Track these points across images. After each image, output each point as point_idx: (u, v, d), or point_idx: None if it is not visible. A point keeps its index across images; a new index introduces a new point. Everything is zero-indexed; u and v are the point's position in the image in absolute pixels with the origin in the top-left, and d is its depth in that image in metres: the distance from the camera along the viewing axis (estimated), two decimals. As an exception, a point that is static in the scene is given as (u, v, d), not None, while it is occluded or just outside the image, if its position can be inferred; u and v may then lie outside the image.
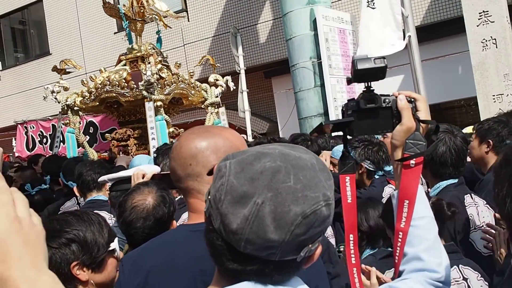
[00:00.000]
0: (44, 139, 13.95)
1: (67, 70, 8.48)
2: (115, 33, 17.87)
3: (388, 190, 4.48)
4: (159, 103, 7.62)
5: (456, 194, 3.63)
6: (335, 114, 8.98)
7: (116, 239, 2.42)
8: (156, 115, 7.55)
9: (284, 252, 1.26)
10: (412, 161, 1.85)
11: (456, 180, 3.72)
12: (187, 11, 16.55)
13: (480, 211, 3.61)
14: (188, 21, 16.50)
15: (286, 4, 9.57)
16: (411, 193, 1.86)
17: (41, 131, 14.03)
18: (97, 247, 2.27)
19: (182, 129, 8.70)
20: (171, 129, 8.13)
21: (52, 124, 13.59)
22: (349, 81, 1.96)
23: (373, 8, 9.04)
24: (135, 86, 7.62)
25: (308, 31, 9.33)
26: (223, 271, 1.36)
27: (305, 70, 9.37)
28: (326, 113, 9.16)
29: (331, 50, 9.23)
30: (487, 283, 3.05)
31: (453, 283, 3.05)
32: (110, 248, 2.34)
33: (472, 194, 3.71)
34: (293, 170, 1.29)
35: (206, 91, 8.67)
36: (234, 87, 9.26)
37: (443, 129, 3.69)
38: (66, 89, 8.32)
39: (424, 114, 1.90)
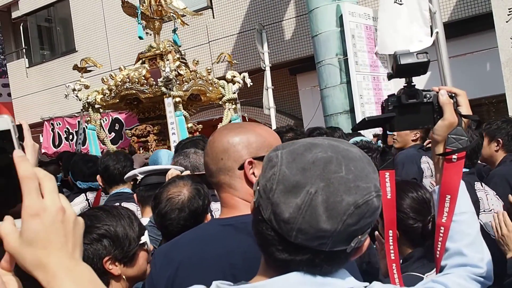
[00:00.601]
0: (70, 136, 14.10)
1: (88, 69, 8.66)
2: (140, 30, 17.90)
3: None
4: (177, 99, 7.76)
5: (467, 179, 3.67)
6: (361, 111, 8.92)
7: (146, 232, 2.42)
8: (175, 111, 7.66)
9: (335, 242, 1.27)
10: (454, 156, 1.86)
11: (468, 170, 3.84)
12: (212, 8, 16.56)
13: (489, 198, 3.84)
14: (213, 18, 16.50)
15: (312, 1, 9.52)
16: (453, 188, 1.86)
17: (67, 128, 14.17)
18: (128, 241, 2.29)
19: (200, 125, 9.01)
20: (190, 124, 8.27)
21: (78, 121, 13.70)
22: (390, 77, 1.98)
23: (400, 4, 8.96)
24: (154, 83, 7.79)
25: (334, 27, 9.27)
26: (272, 261, 1.35)
27: (331, 67, 9.32)
28: (352, 110, 9.11)
29: (358, 46, 9.17)
30: None
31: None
32: (141, 242, 2.35)
33: (482, 183, 3.99)
34: (344, 160, 1.30)
35: (223, 88, 8.83)
36: (251, 84, 9.35)
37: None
38: (87, 87, 8.49)
39: (465, 109, 1.91)
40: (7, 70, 5.74)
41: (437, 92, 1.88)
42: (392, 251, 1.96)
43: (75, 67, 8.43)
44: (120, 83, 8.11)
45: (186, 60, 8.78)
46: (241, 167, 1.92)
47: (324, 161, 1.28)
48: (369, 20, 9.47)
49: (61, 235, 1.01)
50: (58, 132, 14.36)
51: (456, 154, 1.85)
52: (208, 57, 16.35)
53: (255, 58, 14.79)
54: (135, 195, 4.08)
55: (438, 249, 1.87)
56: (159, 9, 8.68)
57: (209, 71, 8.81)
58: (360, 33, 9.27)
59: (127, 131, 9.37)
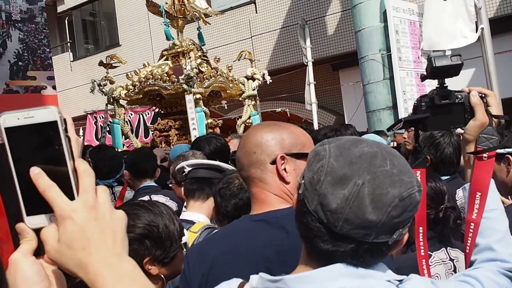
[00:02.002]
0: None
1: (113, 65, 8.85)
2: (183, 24, 18.03)
3: None
4: (198, 96, 7.93)
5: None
6: (404, 107, 8.83)
7: (186, 232, 2.41)
8: (195, 107, 7.84)
9: (378, 233, 1.32)
10: (485, 154, 1.93)
11: (448, 176, 3.81)
12: (255, 3, 16.58)
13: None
14: (256, 12, 16.52)
15: (356, -4, 9.45)
16: (483, 185, 1.92)
17: (110, 121, 14.29)
18: (169, 243, 2.27)
19: (220, 121, 9.23)
20: (210, 120, 8.44)
21: (102, 116, 13.84)
22: (424, 78, 2.05)
23: (445, 0, 8.83)
24: (176, 79, 7.98)
25: (378, 23, 9.20)
26: (315, 253, 1.40)
27: (374, 62, 9.25)
28: (395, 106, 9.03)
29: (401, 42, 9.08)
30: None
31: (440, 263, 3.10)
32: (182, 242, 2.33)
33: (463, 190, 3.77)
34: (388, 156, 1.37)
35: (243, 84, 8.93)
36: (271, 81, 9.40)
37: (444, 131, 3.76)
38: (112, 82, 8.67)
39: (496, 109, 1.98)
40: (52, 63, 5.91)
41: (468, 93, 1.95)
42: (422, 247, 2.04)
43: (101, 63, 8.65)
44: (143, 79, 8.32)
45: (207, 58, 8.95)
46: (273, 162, 1.94)
47: (370, 155, 1.35)
48: (413, 16, 9.36)
49: (97, 233, 1.00)
50: (101, 125, 14.52)
51: (487, 152, 1.93)
52: (250, 51, 16.37)
53: (297, 53, 14.76)
54: (181, 188, 4.10)
55: (468, 244, 1.92)
56: (182, 8, 8.83)
57: (230, 68, 8.92)
58: (404, 28, 9.18)
59: (149, 125, 9.60)
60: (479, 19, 8.75)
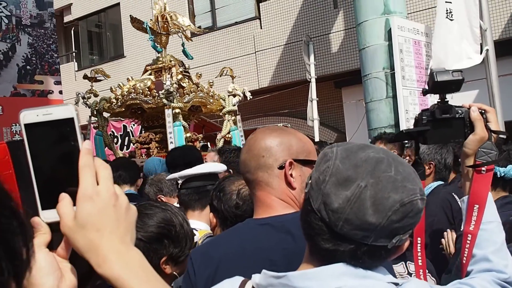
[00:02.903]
0: (115, 139, 14.25)
1: (97, 78, 9.23)
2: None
3: None
4: (177, 110, 8.21)
5: (447, 191, 4.22)
6: (406, 126, 8.82)
7: (197, 232, 2.42)
8: (174, 121, 8.12)
9: (377, 236, 1.36)
10: (484, 168, 1.98)
11: (442, 182, 4.32)
12: (260, 19, 16.65)
13: None
14: (261, 28, 16.58)
15: (361, 14, 9.48)
16: (481, 198, 1.97)
17: (112, 131, 14.34)
18: (185, 242, 2.27)
19: (201, 135, 9.62)
20: (189, 134, 8.69)
21: (124, 125, 13.87)
22: (425, 92, 2.13)
23: (451, 20, 8.85)
24: (157, 94, 8.30)
25: (382, 41, 9.21)
26: (316, 251, 1.45)
27: (377, 80, 9.26)
28: (397, 125, 9.03)
29: (405, 61, 9.09)
30: (434, 279, 3.33)
31: (398, 277, 3.12)
32: (195, 241, 2.34)
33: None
34: (393, 162, 1.40)
35: (224, 100, 9.25)
36: (251, 97, 9.74)
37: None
38: (96, 95, 9.08)
39: (495, 125, 2.04)
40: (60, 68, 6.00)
41: (468, 108, 2.00)
42: (419, 258, 2.11)
43: (86, 77, 9.11)
44: (126, 93, 8.61)
45: (189, 74, 9.28)
46: (281, 167, 1.96)
47: (375, 160, 1.39)
48: (418, 35, 9.39)
49: (113, 219, 1.05)
50: (130, 132, 14.57)
51: (486, 166, 1.98)
52: (254, 67, 16.42)
53: (300, 69, 14.80)
54: (172, 199, 4.17)
55: (465, 255, 1.95)
56: (165, 25, 9.17)
57: (211, 84, 9.24)
58: (409, 47, 9.19)
59: (132, 138, 9.96)
60: (484, 40, 8.77)
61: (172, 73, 8.68)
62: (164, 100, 8.09)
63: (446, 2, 8.76)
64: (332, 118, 15.92)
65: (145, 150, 8.85)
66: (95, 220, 1.03)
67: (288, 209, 1.96)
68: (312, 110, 12.55)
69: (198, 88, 8.91)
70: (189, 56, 9.54)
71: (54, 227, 1.03)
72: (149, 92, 8.43)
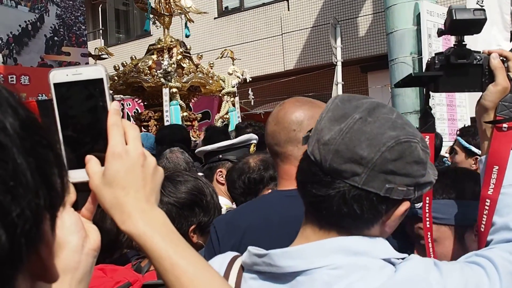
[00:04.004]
0: (138, 118, 14.31)
1: (101, 56, 9.28)
2: (215, 18, 18.09)
3: None
4: (174, 90, 8.42)
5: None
6: (431, 112, 8.76)
7: (224, 205, 2.43)
8: (171, 100, 8.35)
9: (369, 178, 1.25)
10: (505, 125, 1.74)
11: None
12: (287, 0, 16.56)
13: None
14: (288, 10, 16.51)
15: (390, -2, 9.40)
16: (502, 158, 1.74)
17: (136, 109, 14.41)
18: (213, 212, 2.28)
19: (199, 114, 9.89)
20: (185, 113, 8.91)
21: (121, 103, 13.96)
22: (441, 33, 1.87)
23: (482, 6, 8.76)
24: (156, 73, 8.55)
25: (411, 25, 9.12)
26: (308, 204, 1.38)
27: (404, 65, 9.18)
28: (422, 110, 8.95)
29: (433, 46, 9.00)
30: None
31: None
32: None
33: None
34: (397, 112, 1.33)
35: (223, 81, 9.45)
36: (250, 79, 9.87)
37: None
38: None
39: None
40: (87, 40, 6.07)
41: (488, 55, 1.76)
42: (427, 219, 1.87)
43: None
44: (127, 72, 8.88)
45: (190, 54, 9.45)
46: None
47: (377, 104, 1.31)
48: (447, 21, 9.29)
49: (139, 178, 1.05)
50: (127, 113, 14.63)
51: (508, 123, 1.73)
52: (280, 49, 16.38)
53: (327, 53, 14.73)
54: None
55: (483, 223, 1.75)
56: (168, 6, 9.34)
57: (212, 65, 9.40)
58: (437, 33, 9.10)
59: (132, 115, 10.41)
60: (514, 28, 8.68)
61: (172, 53, 8.87)
62: (162, 80, 8.31)
63: (477, -12, 8.68)
64: (357, 103, 15.82)
65: (145, 127, 9.06)
66: (122, 178, 1.04)
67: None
68: (337, 93, 12.49)
69: (198, 69, 9.10)
70: (187, 34, 9.74)
71: (80, 187, 1.02)
72: (149, 71, 8.67)
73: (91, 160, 1.04)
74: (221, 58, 9.78)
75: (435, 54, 1.80)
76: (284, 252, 1.32)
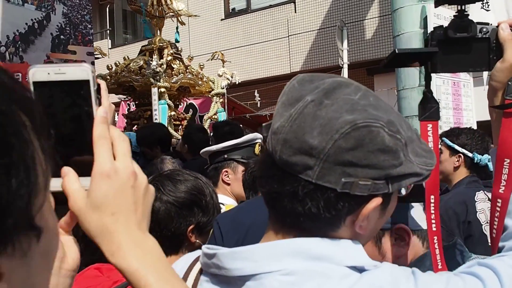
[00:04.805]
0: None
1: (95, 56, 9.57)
2: (222, 19, 18.11)
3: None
4: (163, 90, 8.66)
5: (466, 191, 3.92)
6: (433, 97, 8.75)
7: (223, 206, 2.41)
8: (159, 100, 8.59)
9: (323, 170, 1.04)
10: None
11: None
12: (294, 3, 16.57)
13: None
14: (295, 12, 16.51)
15: (397, 0, 9.39)
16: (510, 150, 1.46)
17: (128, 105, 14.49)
18: (212, 213, 2.27)
19: (189, 114, 10.29)
20: (173, 113, 9.10)
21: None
22: (437, 2, 1.64)
23: (487, 10, 8.76)
24: (146, 73, 8.78)
25: (418, 28, 9.11)
26: (266, 201, 1.19)
27: (410, 68, 9.17)
28: (428, 114, 8.93)
29: (440, 50, 8.99)
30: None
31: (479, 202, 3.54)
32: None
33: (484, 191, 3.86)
34: (365, 91, 1.10)
35: (213, 83, 9.64)
36: (239, 81, 10.15)
37: None
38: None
39: None
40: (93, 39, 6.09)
41: (497, 26, 1.49)
42: (433, 221, 1.58)
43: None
44: (119, 71, 9.11)
45: (181, 55, 9.68)
46: None
47: (339, 83, 1.09)
48: (454, 24, 9.29)
49: (130, 202, 0.93)
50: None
51: None
52: (286, 51, 16.38)
53: (333, 55, 14.73)
54: None
55: (495, 226, 1.51)
56: (160, 8, 9.64)
57: (202, 66, 9.64)
58: (444, 36, 9.10)
59: (123, 113, 10.68)
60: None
61: (163, 54, 9.12)
62: (151, 79, 8.54)
63: (482, -9, 8.69)
64: (363, 105, 15.81)
65: (136, 126, 9.26)
66: (111, 202, 0.91)
67: None
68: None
69: (187, 70, 9.31)
70: (177, 39, 10.06)
71: (59, 197, 0.85)
72: (139, 71, 8.89)
73: (69, 175, 0.90)
74: (211, 60, 10.06)
75: (434, 28, 1.55)
76: (233, 252, 1.13)
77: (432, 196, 1.57)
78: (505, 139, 1.48)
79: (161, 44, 9.34)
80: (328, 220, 1.10)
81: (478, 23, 1.50)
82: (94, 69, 0.91)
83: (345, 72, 12.48)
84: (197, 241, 2.25)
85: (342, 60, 12.62)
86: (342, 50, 12.69)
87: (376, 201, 1.09)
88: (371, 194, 1.08)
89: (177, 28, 10.02)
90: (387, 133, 1.04)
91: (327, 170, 1.04)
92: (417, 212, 1.72)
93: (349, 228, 1.13)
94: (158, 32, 9.76)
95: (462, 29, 1.48)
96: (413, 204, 1.71)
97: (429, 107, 1.59)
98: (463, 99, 9.27)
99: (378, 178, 1.06)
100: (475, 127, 9.35)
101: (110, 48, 21.85)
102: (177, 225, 2.15)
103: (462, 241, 3.43)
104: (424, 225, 1.71)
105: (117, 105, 16.67)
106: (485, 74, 8.94)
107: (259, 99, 13.50)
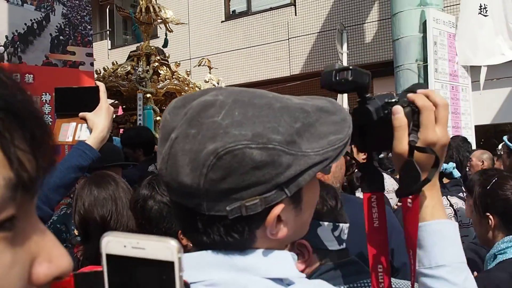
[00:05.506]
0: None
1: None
2: (222, 21, 18.13)
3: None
4: (148, 95, 8.88)
5: None
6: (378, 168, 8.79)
7: None
8: (145, 105, 8.80)
9: (209, 203, 1.02)
10: (409, 199, 1.35)
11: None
12: (295, 5, 16.59)
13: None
14: (295, 15, 16.53)
15: (397, 4, 9.42)
16: (412, 241, 1.35)
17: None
18: None
19: None
20: (158, 118, 9.14)
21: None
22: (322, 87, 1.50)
23: (485, 16, 8.79)
24: (132, 79, 9.00)
25: (417, 33, 9.14)
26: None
27: (409, 72, 9.20)
28: (426, 118, 8.97)
29: (439, 54, 9.02)
30: None
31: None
32: None
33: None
34: (231, 105, 1.03)
35: (199, 88, 9.62)
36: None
37: None
38: None
39: (430, 132, 1.33)
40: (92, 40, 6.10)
41: (402, 108, 1.37)
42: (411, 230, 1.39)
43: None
44: (107, 76, 9.28)
45: (168, 62, 9.89)
46: None
47: (204, 106, 1.03)
48: (452, 29, 9.31)
49: None
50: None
51: (410, 196, 1.35)
52: (286, 53, 16.39)
53: (333, 58, 14.76)
54: None
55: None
56: (148, 15, 9.76)
57: (188, 73, 9.88)
58: (443, 40, 9.12)
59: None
60: (520, 37, 8.70)
61: (151, 60, 9.33)
62: (137, 85, 8.74)
63: (480, -3, 8.74)
64: (362, 109, 15.83)
65: (121, 129, 9.40)
66: None
67: None
68: (342, 99, 12.51)
69: (173, 76, 9.50)
70: (165, 45, 10.18)
71: None
72: (126, 77, 9.09)
73: None
74: (198, 66, 10.38)
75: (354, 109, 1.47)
76: None
77: (409, 201, 1.37)
78: (407, 230, 1.38)
79: (147, 51, 9.54)
80: (238, 241, 1.07)
81: (386, 103, 1.40)
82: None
83: (344, 75, 12.49)
84: (189, 243, 2.26)
85: (342, 63, 12.63)
86: (342, 53, 12.71)
87: (277, 209, 1.05)
88: (269, 206, 1.04)
89: (166, 34, 10.19)
90: (256, 148, 0.99)
91: (212, 202, 1.02)
92: (324, 231, 1.71)
93: (264, 238, 1.09)
94: (146, 38, 9.98)
95: (363, 116, 1.40)
96: (322, 223, 1.71)
97: (371, 178, 1.47)
98: (462, 103, 9.30)
99: (267, 191, 1.03)
100: (473, 131, 9.39)
101: (109, 49, 21.90)
102: (168, 225, 2.18)
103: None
104: (329, 246, 1.72)
105: (116, 106, 16.71)
106: (482, 78, 8.95)
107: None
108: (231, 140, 0.98)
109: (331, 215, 1.74)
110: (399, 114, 1.34)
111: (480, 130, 9.60)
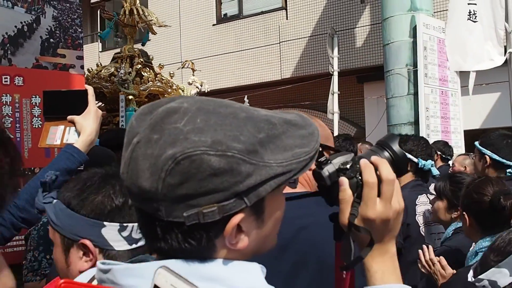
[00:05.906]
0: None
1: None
2: (213, 25, 18.15)
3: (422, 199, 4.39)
4: (130, 97, 8.88)
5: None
6: (425, 124, 8.82)
7: None
8: (127, 106, 8.80)
9: (167, 208, 1.02)
10: (344, 272, 1.37)
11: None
12: (286, 9, 16.64)
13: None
14: (287, 19, 16.58)
15: (388, 9, 9.47)
16: None
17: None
18: None
19: None
20: None
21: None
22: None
23: (474, 22, 8.86)
24: (115, 81, 9.01)
25: (407, 37, 9.20)
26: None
27: (399, 76, 9.24)
28: (416, 122, 9.02)
29: (429, 59, 9.08)
30: None
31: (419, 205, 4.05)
32: None
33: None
34: (194, 112, 1.04)
35: (183, 90, 9.84)
36: (209, 90, 10.40)
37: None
38: None
39: (369, 209, 1.31)
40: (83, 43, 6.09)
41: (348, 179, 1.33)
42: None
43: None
44: (90, 78, 9.24)
45: (151, 64, 9.91)
46: None
47: (167, 112, 1.04)
48: (442, 34, 9.37)
49: None
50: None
51: (344, 271, 1.37)
52: (277, 57, 16.42)
53: (324, 62, 14.81)
54: None
55: None
56: (132, 18, 9.81)
57: (172, 75, 9.91)
58: (433, 45, 9.18)
59: None
60: (509, 43, 8.74)
61: (134, 62, 9.32)
62: (120, 86, 8.77)
63: (469, 4, 8.81)
64: (352, 113, 15.90)
65: (104, 130, 9.44)
66: None
67: (300, 188, 2.01)
68: (333, 103, 12.55)
69: (156, 78, 9.50)
70: (144, 42, 10.35)
71: None
72: (108, 78, 9.06)
73: None
74: (182, 68, 10.51)
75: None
76: (126, 268, 1.08)
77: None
78: None
79: (130, 53, 9.58)
80: (196, 249, 1.06)
81: (340, 170, 1.33)
82: None
83: (335, 80, 12.52)
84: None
85: (333, 68, 12.66)
86: (333, 58, 12.73)
87: (236, 218, 1.05)
88: (226, 214, 1.04)
89: (147, 36, 10.34)
90: (214, 155, 0.99)
91: (170, 208, 1.02)
92: (110, 232, 1.69)
93: (225, 248, 1.08)
94: (130, 40, 10.03)
95: (320, 180, 1.35)
96: (106, 223, 1.68)
97: (348, 253, 1.34)
98: (451, 108, 9.35)
99: (225, 200, 1.02)
100: (462, 135, 9.44)
101: (100, 51, 21.85)
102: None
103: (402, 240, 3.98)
104: (116, 246, 1.70)
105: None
106: (471, 84, 9.00)
107: (248, 104, 13.57)
108: (190, 145, 0.98)
109: (118, 215, 1.70)
110: (344, 186, 1.30)
111: (469, 134, 9.65)
